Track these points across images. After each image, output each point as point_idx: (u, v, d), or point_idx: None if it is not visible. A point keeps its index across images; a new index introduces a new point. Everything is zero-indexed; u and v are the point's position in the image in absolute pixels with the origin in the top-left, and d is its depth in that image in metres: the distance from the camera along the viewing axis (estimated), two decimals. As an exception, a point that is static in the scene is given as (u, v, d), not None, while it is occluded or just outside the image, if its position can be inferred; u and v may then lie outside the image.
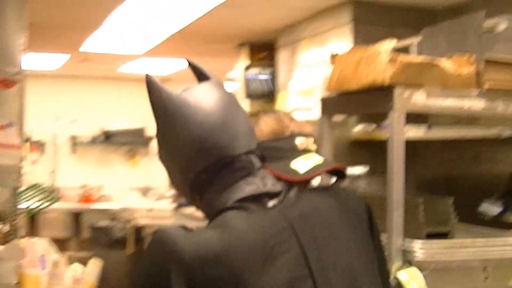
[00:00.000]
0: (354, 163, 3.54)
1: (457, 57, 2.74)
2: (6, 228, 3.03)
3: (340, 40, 4.67)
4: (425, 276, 2.57)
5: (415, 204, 2.63)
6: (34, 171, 8.73)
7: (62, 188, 8.64)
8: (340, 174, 1.71)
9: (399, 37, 3.31)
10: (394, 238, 2.59)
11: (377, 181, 3.44)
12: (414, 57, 2.67)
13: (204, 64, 1.66)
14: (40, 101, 8.84)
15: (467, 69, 2.71)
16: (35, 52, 6.94)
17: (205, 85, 1.56)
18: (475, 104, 2.74)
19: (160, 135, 1.56)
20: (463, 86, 2.68)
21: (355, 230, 1.59)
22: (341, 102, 2.95)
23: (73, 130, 8.99)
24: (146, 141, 9.22)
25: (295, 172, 1.59)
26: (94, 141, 9.03)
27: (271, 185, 1.52)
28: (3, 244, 2.85)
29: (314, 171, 1.60)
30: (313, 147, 1.70)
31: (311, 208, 1.53)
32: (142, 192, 9.02)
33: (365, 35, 4.41)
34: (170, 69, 8.46)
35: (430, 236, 2.65)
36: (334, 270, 1.47)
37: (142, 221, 7.83)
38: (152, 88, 1.54)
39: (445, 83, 2.65)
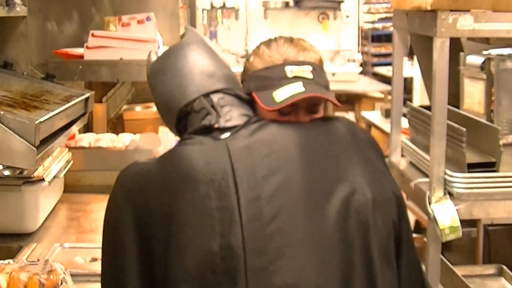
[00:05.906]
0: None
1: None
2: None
3: None
4: (467, 206, 2.51)
5: (458, 133, 2.52)
6: (228, 37, 9.19)
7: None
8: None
9: None
10: (435, 168, 2.53)
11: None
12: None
13: None
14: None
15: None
16: None
17: (166, 52, 1.76)
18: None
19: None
20: (517, 8, 2.42)
21: (331, 167, 1.54)
22: (400, 19, 2.81)
23: (264, -4, 9.18)
24: (337, 4, 9.16)
25: (273, 101, 1.60)
26: (285, 5, 9.17)
27: (235, 118, 1.59)
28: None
29: (290, 100, 1.57)
30: (308, 75, 1.63)
31: (263, 141, 1.54)
32: (332, 55, 9.10)
33: None
34: None
35: (476, 165, 2.55)
36: (269, 203, 1.45)
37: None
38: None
39: (496, 5, 2.41)
